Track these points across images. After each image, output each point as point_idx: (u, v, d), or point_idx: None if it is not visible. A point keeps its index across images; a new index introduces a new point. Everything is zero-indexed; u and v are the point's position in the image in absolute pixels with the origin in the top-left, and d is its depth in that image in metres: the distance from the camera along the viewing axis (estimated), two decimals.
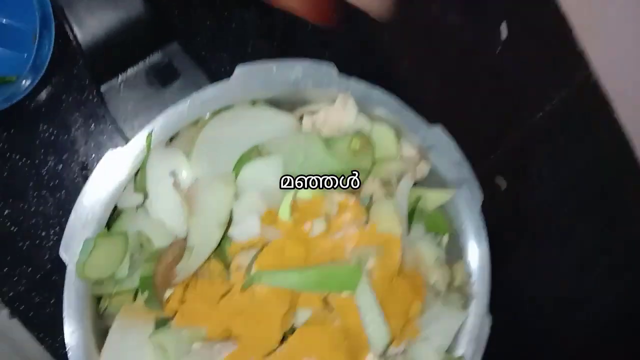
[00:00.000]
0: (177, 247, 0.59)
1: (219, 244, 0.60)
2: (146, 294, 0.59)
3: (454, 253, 0.73)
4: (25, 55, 0.78)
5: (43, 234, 0.86)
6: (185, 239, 0.59)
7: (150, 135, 0.60)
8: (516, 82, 0.95)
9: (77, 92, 0.85)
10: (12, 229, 0.85)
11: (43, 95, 0.84)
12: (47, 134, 0.85)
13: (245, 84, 0.63)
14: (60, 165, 0.85)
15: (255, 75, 0.64)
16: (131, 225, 0.62)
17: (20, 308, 0.85)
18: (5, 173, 0.84)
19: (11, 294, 0.85)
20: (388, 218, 0.63)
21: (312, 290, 0.59)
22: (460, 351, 0.70)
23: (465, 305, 0.71)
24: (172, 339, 0.59)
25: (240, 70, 0.64)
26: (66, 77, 0.84)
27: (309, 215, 0.61)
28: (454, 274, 0.72)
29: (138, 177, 0.62)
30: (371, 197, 0.66)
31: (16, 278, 0.85)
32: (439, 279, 0.69)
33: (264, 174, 0.61)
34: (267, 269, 0.58)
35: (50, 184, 0.85)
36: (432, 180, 0.73)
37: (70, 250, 0.58)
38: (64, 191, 0.85)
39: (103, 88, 0.68)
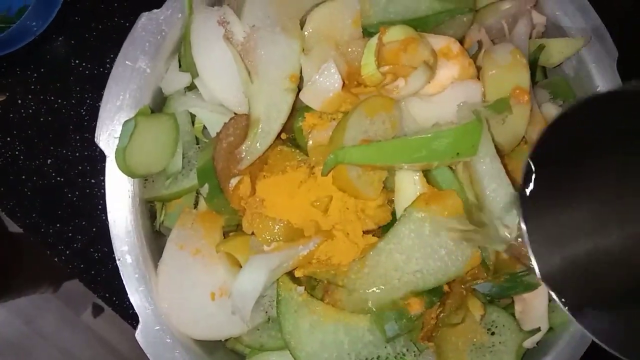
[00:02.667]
0: (239, 122, 0.45)
1: (288, 123, 0.46)
2: (207, 188, 0.46)
3: None
4: None
5: (92, 181, 0.75)
6: (247, 115, 0.46)
7: None
8: None
9: (106, 18, 0.74)
10: (58, 179, 0.75)
11: (70, 26, 0.75)
12: (80, 69, 0.75)
13: None
14: (100, 102, 0.75)
15: None
16: (180, 108, 0.49)
17: (81, 266, 0.75)
18: (42, 118, 0.75)
19: (68, 252, 0.75)
20: (507, 64, 0.47)
21: (420, 162, 0.43)
22: None
23: None
24: (244, 245, 0.46)
25: None
26: (92, 2, 0.74)
27: (401, 68, 0.46)
28: None
29: (182, 52, 0.50)
30: (479, 45, 0.50)
31: (71, 234, 0.75)
32: None
33: (337, 18, 0.46)
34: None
35: (93, 124, 0.73)
36: (552, 34, 0.56)
37: (107, 137, 0.47)
38: None
39: None
